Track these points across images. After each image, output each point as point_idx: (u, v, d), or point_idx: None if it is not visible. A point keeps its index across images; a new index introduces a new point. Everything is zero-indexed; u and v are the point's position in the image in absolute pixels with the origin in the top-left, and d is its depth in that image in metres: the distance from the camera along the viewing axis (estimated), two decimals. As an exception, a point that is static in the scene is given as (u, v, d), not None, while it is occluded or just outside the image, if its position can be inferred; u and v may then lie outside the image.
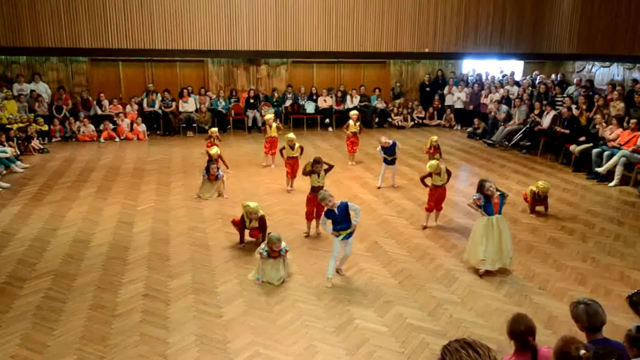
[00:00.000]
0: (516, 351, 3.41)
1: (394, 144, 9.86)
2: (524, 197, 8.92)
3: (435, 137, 11.48)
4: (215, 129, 12.04)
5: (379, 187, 10.01)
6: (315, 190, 7.53)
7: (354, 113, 12.05)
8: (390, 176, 10.17)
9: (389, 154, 9.88)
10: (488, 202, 6.37)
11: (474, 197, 6.48)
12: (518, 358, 3.37)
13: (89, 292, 5.94)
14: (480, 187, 6.41)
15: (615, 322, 5.18)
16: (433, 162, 8.05)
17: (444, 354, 2.14)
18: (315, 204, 7.42)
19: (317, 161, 7.72)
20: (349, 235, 6.21)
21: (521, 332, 3.35)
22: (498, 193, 6.41)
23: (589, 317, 3.42)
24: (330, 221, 6.22)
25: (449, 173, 7.97)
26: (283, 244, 6.28)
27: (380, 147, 9.95)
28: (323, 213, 6.33)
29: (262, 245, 6.31)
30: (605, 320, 3.48)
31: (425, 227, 7.99)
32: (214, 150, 10.25)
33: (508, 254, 6.43)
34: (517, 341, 3.37)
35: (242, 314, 5.49)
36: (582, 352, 2.84)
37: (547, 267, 6.69)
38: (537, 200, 8.64)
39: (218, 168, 9.52)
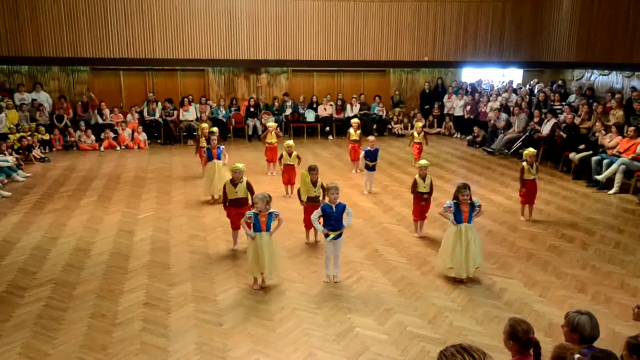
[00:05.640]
0: (515, 358, 3.41)
1: (377, 150, 10.15)
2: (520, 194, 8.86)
3: (420, 124, 12.62)
4: (206, 125, 11.60)
5: (370, 192, 10.23)
6: (311, 200, 7.55)
7: (355, 121, 12.08)
8: (369, 182, 10.32)
9: (372, 159, 10.05)
10: (458, 210, 6.37)
11: (445, 206, 6.50)
12: None
13: (89, 301, 5.94)
14: (456, 191, 6.44)
15: (616, 331, 5.19)
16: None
17: (441, 359, 2.17)
18: (313, 212, 7.46)
19: (312, 168, 7.62)
20: (338, 236, 6.27)
21: (524, 331, 3.36)
22: (469, 203, 6.39)
23: (592, 327, 3.46)
24: (322, 218, 6.27)
25: (431, 186, 7.92)
26: (272, 210, 6.13)
27: (364, 151, 10.19)
28: (320, 207, 6.35)
29: (248, 213, 6.28)
30: (600, 334, 3.54)
31: (421, 237, 7.99)
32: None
33: (474, 263, 6.40)
34: (520, 342, 3.37)
35: (242, 322, 5.49)
36: (577, 356, 2.94)
37: (548, 275, 6.69)
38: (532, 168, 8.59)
39: (219, 140, 9.58)
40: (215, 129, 11.16)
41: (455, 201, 6.42)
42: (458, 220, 6.38)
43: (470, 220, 6.40)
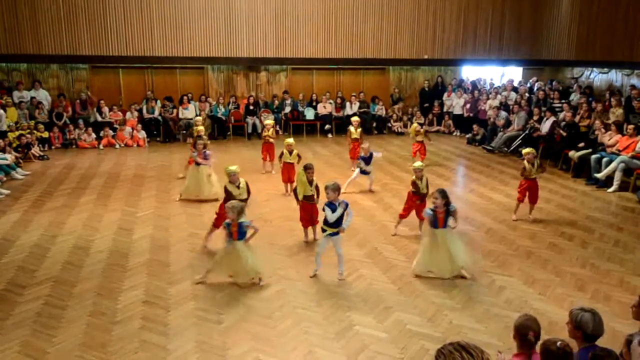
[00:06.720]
0: (517, 353, 3.43)
1: (372, 154, 10.11)
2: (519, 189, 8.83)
3: (416, 124, 12.62)
4: (202, 128, 11.13)
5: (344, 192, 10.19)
6: (307, 199, 7.55)
7: (354, 119, 12.04)
8: (367, 182, 10.31)
9: (366, 163, 10.05)
10: (434, 216, 6.39)
11: (425, 215, 6.57)
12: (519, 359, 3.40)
13: (88, 298, 5.94)
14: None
15: (616, 329, 5.19)
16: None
17: (439, 357, 2.18)
18: (309, 210, 7.47)
19: (307, 167, 7.61)
20: (336, 233, 6.29)
21: (524, 327, 3.41)
22: (444, 208, 6.35)
23: (594, 325, 3.47)
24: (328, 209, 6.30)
25: (427, 186, 7.92)
26: (244, 219, 6.08)
27: (360, 157, 10.16)
28: (325, 204, 6.38)
29: (224, 222, 6.30)
30: (604, 331, 3.55)
31: (395, 234, 7.93)
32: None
33: (458, 264, 6.44)
34: (519, 337, 3.41)
35: (241, 320, 5.49)
36: (559, 343, 3.12)
37: (547, 272, 6.70)
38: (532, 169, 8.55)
39: (205, 145, 9.53)
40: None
41: (431, 208, 6.45)
42: (434, 225, 6.42)
43: (446, 225, 6.42)
